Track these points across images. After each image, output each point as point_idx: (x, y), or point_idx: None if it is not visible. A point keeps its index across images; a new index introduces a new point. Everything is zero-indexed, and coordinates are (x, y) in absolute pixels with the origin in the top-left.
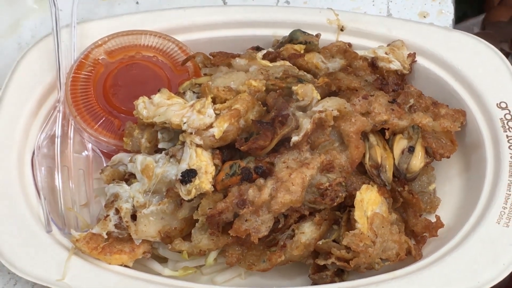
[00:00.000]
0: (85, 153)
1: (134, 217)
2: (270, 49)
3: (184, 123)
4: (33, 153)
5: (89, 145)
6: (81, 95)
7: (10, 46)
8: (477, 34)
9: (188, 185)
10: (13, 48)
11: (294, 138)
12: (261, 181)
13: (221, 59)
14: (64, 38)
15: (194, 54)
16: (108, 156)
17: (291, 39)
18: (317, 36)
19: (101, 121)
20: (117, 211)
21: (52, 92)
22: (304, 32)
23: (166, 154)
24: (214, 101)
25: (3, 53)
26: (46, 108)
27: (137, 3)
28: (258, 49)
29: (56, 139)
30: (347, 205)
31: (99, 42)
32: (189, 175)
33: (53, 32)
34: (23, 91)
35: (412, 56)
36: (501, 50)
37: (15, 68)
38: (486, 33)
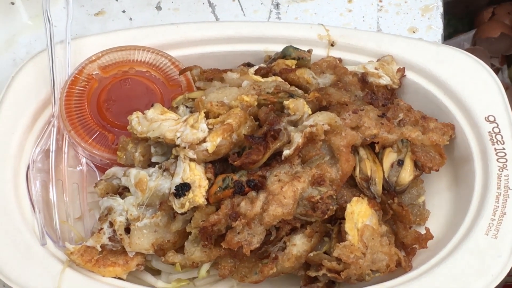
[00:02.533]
0: (79, 167)
1: (128, 230)
2: (262, 65)
3: (178, 137)
4: (28, 167)
5: (83, 159)
6: (75, 110)
7: (5, 62)
8: (468, 50)
9: (182, 198)
10: (8, 64)
11: (286, 152)
12: (253, 194)
13: (213, 73)
14: (59, 54)
15: (191, 67)
16: (102, 170)
17: (284, 55)
18: (309, 51)
19: (95, 135)
20: (111, 224)
21: (47, 107)
22: (297, 48)
23: (160, 168)
24: (207, 116)
25: None
26: (40, 123)
27: (131, 19)
28: (249, 65)
29: (50, 153)
30: (337, 218)
31: (93, 58)
32: (183, 189)
33: (48, 48)
34: (18, 106)
35: (401, 70)
36: (492, 65)
37: (10, 84)
38: (477, 48)
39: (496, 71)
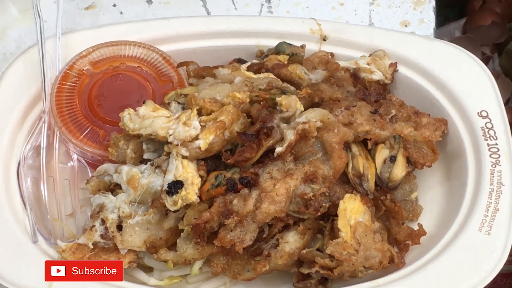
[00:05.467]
0: (70, 163)
1: (120, 227)
2: (255, 61)
3: (170, 135)
4: (19, 163)
5: (75, 156)
6: (66, 106)
7: None
8: (459, 38)
9: (174, 196)
10: None
11: (278, 149)
12: (246, 191)
13: (204, 70)
14: (49, 49)
15: (189, 62)
16: (94, 166)
17: (277, 51)
18: (302, 47)
19: (86, 131)
20: (103, 222)
21: (37, 103)
22: (290, 44)
23: (152, 165)
24: (199, 113)
25: None
26: (31, 119)
27: (121, 13)
28: (240, 61)
29: (41, 149)
30: (330, 214)
31: (84, 53)
32: (175, 187)
33: (38, 43)
34: (8, 102)
35: (393, 65)
36: (483, 54)
37: (0, 79)
38: (468, 37)
39: (487, 59)
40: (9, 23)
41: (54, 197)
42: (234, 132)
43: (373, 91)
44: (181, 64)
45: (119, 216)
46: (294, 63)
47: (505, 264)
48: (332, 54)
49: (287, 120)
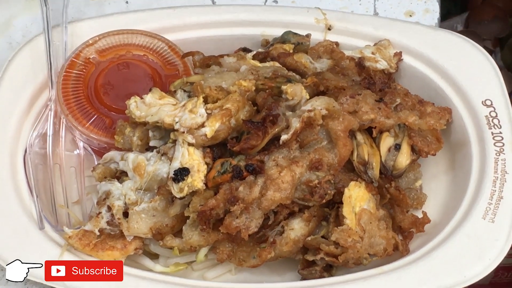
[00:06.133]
0: (76, 151)
1: (126, 214)
2: (260, 49)
3: (176, 122)
4: (25, 151)
5: (81, 143)
6: (72, 94)
7: (1, 45)
8: (461, 32)
9: (180, 183)
10: (4, 48)
11: (284, 137)
12: (251, 178)
13: (210, 59)
14: (55, 38)
15: (194, 52)
16: (100, 154)
17: (283, 40)
18: (308, 36)
19: (93, 119)
20: (109, 208)
21: (44, 91)
22: (296, 33)
23: (158, 152)
24: (205, 101)
25: None
26: (38, 107)
27: (127, 2)
28: (245, 50)
29: (48, 137)
30: (335, 202)
31: (90, 42)
32: (182, 174)
33: (44, 31)
34: (14, 90)
35: (398, 55)
36: (485, 48)
37: (6, 67)
38: (470, 31)
39: (489, 53)
40: (14, 12)
41: (60, 184)
42: (240, 120)
43: (378, 80)
44: (186, 55)
45: (125, 203)
46: (300, 52)
47: (506, 257)
48: (337, 44)
49: (292, 108)
